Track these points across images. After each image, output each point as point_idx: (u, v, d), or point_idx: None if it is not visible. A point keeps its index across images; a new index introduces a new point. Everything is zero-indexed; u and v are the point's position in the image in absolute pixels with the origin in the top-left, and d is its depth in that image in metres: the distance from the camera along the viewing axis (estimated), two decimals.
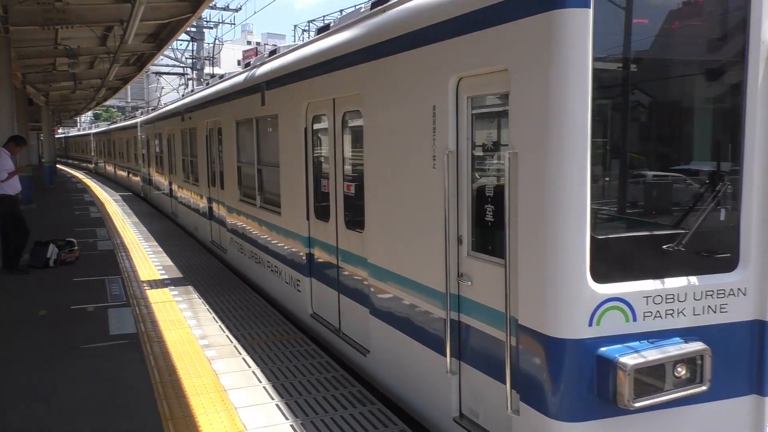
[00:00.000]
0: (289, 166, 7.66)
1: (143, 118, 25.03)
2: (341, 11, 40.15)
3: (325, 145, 6.86)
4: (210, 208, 12.76)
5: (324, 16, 40.03)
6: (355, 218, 6.14)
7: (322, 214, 6.92)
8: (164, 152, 18.78)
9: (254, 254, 9.57)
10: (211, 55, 32.20)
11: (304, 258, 7.42)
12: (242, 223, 10.21)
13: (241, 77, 10.07)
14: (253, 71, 9.43)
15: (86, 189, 29.78)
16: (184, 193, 16.03)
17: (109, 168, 38.36)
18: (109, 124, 44.67)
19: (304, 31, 42.39)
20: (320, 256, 7.09)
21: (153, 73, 32.66)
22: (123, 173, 31.68)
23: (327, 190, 6.72)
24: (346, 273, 6.43)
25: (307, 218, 7.22)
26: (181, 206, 16.54)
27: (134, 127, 26.37)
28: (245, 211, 9.94)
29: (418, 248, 4.84)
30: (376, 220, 5.54)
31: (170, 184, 18.22)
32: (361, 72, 5.65)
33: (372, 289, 5.71)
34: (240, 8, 33.66)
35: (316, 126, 7.08)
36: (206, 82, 24.47)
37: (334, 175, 6.43)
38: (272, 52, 9.37)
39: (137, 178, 26.62)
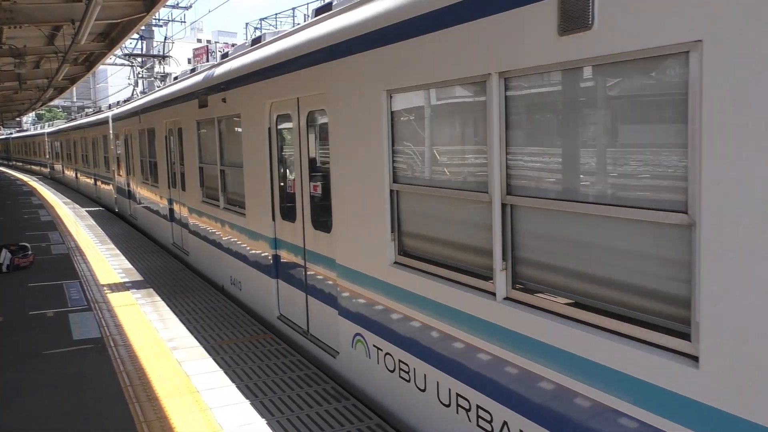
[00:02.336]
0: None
1: (117, 110, 19.72)
2: (293, 9, 39.97)
3: None
4: (276, 259, 7.56)
5: (277, 14, 39.82)
6: None
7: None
8: (159, 156, 13.54)
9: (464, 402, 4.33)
10: (162, 54, 31.62)
11: None
12: (422, 322, 4.72)
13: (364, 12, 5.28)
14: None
15: (33, 192, 28.95)
16: (206, 224, 10.38)
17: (69, 173, 32.78)
18: (66, 121, 40.07)
19: (255, 28, 42.10)
20: None
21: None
22: (87, 181, 26.59)
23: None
24: None
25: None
26: (199, 242, 10.91)
27: (103, 122, 21.43)
28: (433, 297, 4.59)
29: None
30: None
31: (171, 203, 12.93)
32: None
33: None
34: (191, 6, 33.15)
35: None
36: (160, 81, 22.83)
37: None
38: None
39: (108, 188, 21.65)
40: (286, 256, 7.25)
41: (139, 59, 30.66)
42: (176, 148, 11.99)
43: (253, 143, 7.75)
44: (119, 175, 18.96)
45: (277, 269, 7.52)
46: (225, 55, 9.95)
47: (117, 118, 18.68)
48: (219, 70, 9.31)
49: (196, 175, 10.62)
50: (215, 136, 9.46)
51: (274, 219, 7.45)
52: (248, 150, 7.99)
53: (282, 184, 7.27)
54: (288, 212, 7.11)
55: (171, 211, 12.94)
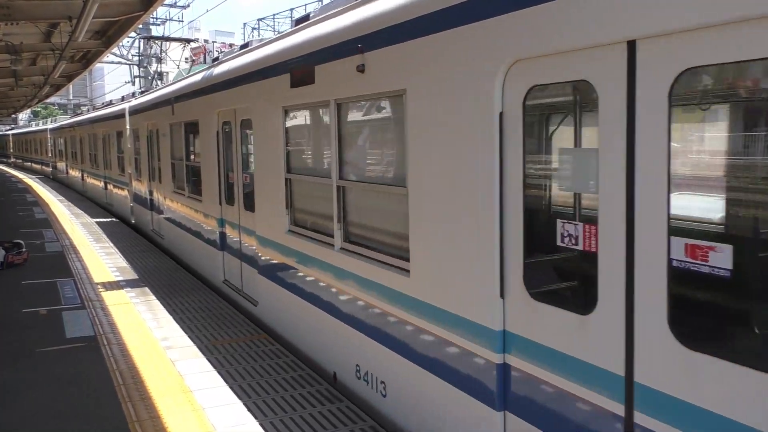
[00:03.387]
0: None
1: (137, 101, 16.51)
2: (291, 10, 39.97)
3: None
4: (504, 373, 3.92)
5: (274, 15, 39.83)
6: None
7: None
8: (205, 159, 10.11)
9: None
10: (160, 53, 31.60)
11: None
12: None
13: None
14: None
15: (28, 189, 28.87)
16: (301, 269, 6.81)
17: (74, 174, 29.44)
18: (71, 117, 38.03)
19: (253, 29, 42.09)
20: None
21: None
22: (96, 184, 23.53)
23: None
24: None
25: None
26: (283, 294, 7.27)
27: (118, 116, 18.36)
28: None
29: None
30: None
31: (223, 225, 9.51)
32: None
33: None
34: (188, 5, 33.14)
35: None
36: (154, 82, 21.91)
37: None
38: None
39: (123, 194, 18.79)
40: (544, 377, 3.62)
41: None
42: (236, 149, 8.72)
43: (444, 143, 4.31)
44: (138, 179, 15.84)
45: (505, 392, 3.92)
46: (305, 18, 7.04)
47: (137, 111, 15.60)
48: (343, 21, 5.80)
49: (278, 191, 7.20)
50: (330, 131, 5.96)
51: (502, 293, 3.86)
52: (426, 157, 4.54)
53: (529, 223, 3.68)
54: (552, 288, 3.79)
55: (222, 236, 9.53)
